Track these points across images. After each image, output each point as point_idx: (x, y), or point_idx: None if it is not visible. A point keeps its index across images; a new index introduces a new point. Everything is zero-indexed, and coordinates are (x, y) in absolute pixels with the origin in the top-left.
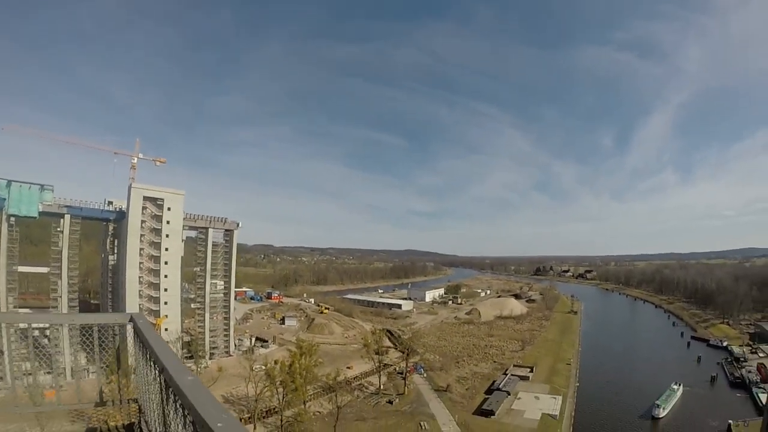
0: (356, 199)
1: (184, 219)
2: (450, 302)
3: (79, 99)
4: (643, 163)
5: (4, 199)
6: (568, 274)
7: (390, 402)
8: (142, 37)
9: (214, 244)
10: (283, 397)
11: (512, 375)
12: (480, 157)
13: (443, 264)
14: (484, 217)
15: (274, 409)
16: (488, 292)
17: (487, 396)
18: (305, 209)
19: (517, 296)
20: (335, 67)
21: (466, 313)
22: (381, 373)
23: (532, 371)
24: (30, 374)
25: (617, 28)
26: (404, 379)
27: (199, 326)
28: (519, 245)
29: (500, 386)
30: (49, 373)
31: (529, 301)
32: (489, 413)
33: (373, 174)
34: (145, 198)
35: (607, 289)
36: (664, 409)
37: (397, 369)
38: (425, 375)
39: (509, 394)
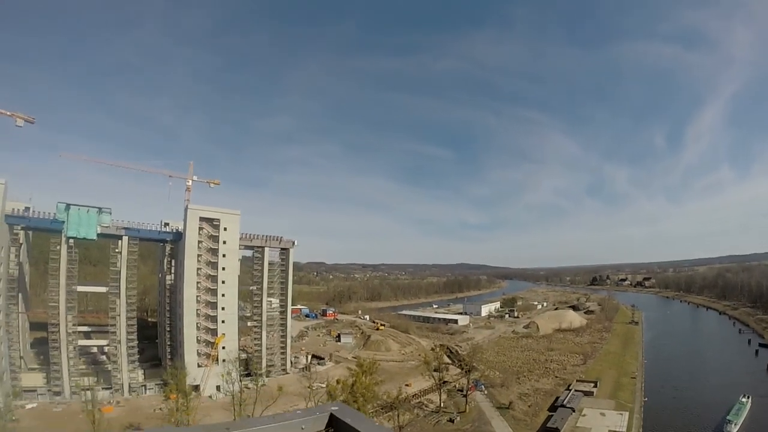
0: (406, 214)
1: (240, 238)
2: (507, 316)
3: (134, 128)
4: (697, 161)
5: (63, 222)
6: (626, 282)
7: (451, 420)
8: (184, 64)
9: (270, 263)
10: None
11: (576, 390)
12: (529, 165)
13: (497, 276)
14: (537, 226)
15: None
16: (545, 304)
17: (550, 413)
18: (356, 226)
19: (574, 308)
20: (378, 82)
21: (524, 327)
22: (441, 390)
23: (596, 386)
24: (89, 389)
25: (661, 20)
26: (465, 396)
27: (255, 344)
28: (573, 255)
29: (564, 403)
30: (107, 388)
31: (588, 312)
32: (554, 431)
33: (423, 187)
34: (202, 219)
35: (667, 297)
36: (735, 425)
37: (457, 386)
38: (486, 392)
39: (574, 411)
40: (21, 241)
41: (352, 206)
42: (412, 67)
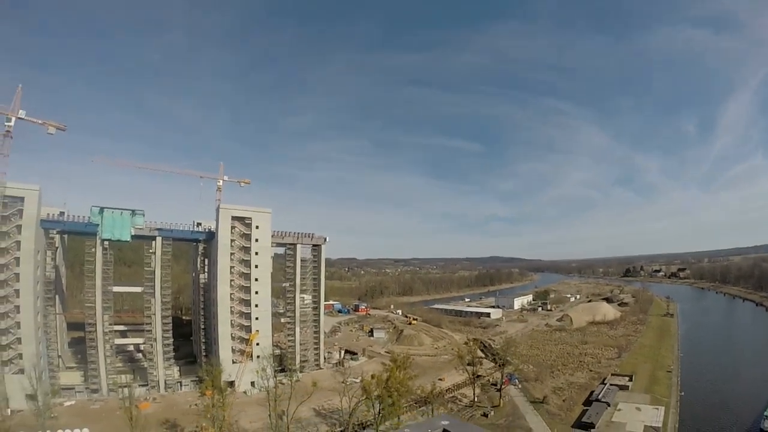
0: (436, 208)
1: (272, 236)
2: (539, 309)
3: (165, 131)
4: (730, 149)
5: (98, 225)
6: (660, 273)
7: (485, 415)
8: (212, 65)
9: (303, 260)
10: (379, 412)
11: (611, 385)
12: (558, 156)
13: (528, 269)
14: (567, 218)
15: (367, 422)
16: (578, 296)
17: (585, 408)
18: (386, 221)
19: (608, 300)
20: (402, 77)
21: (557, 320)
22: (475, 384)
23: (631, 380)
24: (126, 386)
25: (689, 4)
26: (499, 390)
27: (289, 340)
28: (605, 246)
29: (599, 397)
30: (143, 385)
31: (622, 304)
32: (589, 426)
33: (452, 181)
34: (234, 218)
35: (702, 288)
36: None
37: (491, 380)
38: (520, 386)
39: (609, 406)
40: (57, 245)
41: (381, 202)
42: (435, 61)
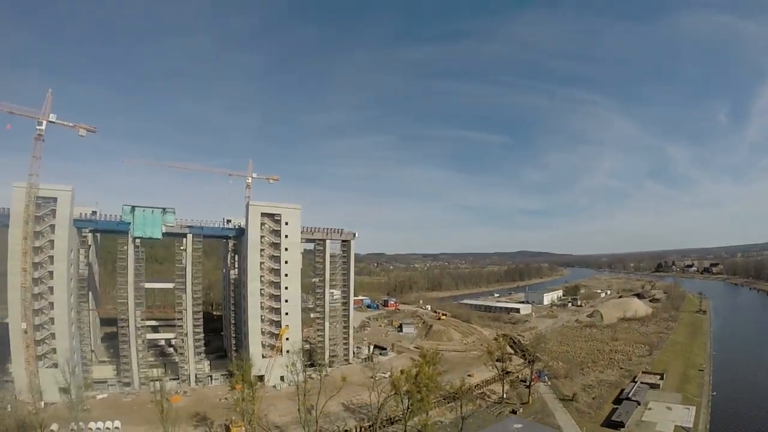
0: (464, 202)
1: (301, 232)
2: (569, 304)
3: (193, 130)
4: (763, 137)
5: (129, 223)
6: (693, 269)
7: (514, 412)
8: (237, 66)
9: (332, 255)
10: (408, 407)
11: (641, 383)
12: (586, 148)
13: (558, 264)
14: (596, 211)
15: (395, 418)
16: (608, 292)
17: (615, 406)
18: (415, 216)
19: (639, 296)
20: (426, 71)
21: (588, 316)
22: (504, 381)
23: (662, 378)
24: (157, 380)
25: None
26: (528, 387)
27: (318, 335)
28: (636, 240)
29: (629, 395)
30: (174, 379)
31: (653, 300)
32: (618, 425)
33: (479, 175)
34: (263, 214)
35: (735, 284)
36: None
37: (520, 377)
38: (549, 383)
39: (639, 404)
40: (89, 243)
41: (410, 197)
42: (459, 53)
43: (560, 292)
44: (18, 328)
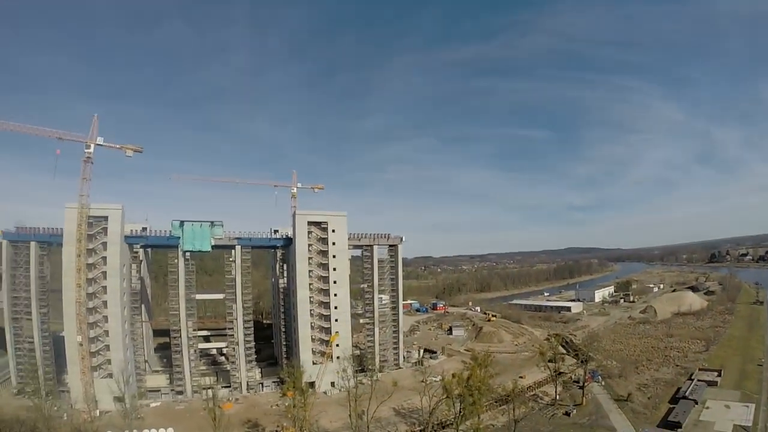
0: (509, 201)
1: (348, 238)
2: (621, 301)
3: (237, 144)
4: None
5: (179, 237)
6: (748, 257)
7: (567, 414)
8: (278, 78)
9: (380, 260)
10: (460, 411)
11: (698, 381)
12: (632, 137)
13: (608, 259)
14: (645, 202)
15: (447, 422)
16: (661, 286)
17: (672, 405)
18: (461, 217)
19: (693, 288)
20: (466, 70)
21: (641, 312)
22: (556, 382)
23: (719, 375)
24: (210, 388)
25: None
26: (582, 388)
27: (368, 340)
28: (688, 230)
29: (686, 394)
30: (226, 387)
31: (708, 293)
32: (676, 426)
33: (524, 172)
34: (310, 223)
35: None
36: None
37: (573, 377)
38: (603, 383)
39: (696, 403)
40: (141, 258)
41: (454, 198)
42: (497, 49)
43: (611, 289)
44: (73, 341)
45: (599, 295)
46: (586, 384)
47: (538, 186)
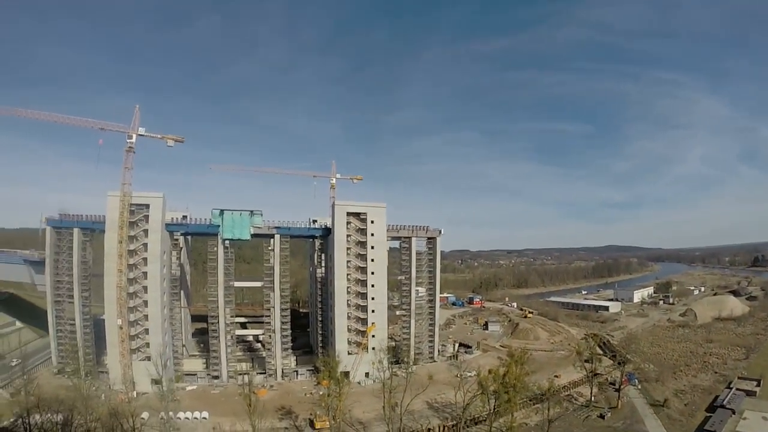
0: (548, 196)
1: (387, 230)
2: (661, 302)
3: (276, 137)
4: None
5: (219, 226)
6: None
7: (601, 416)
8: (315, 71)
9: (417, 253)
10: (494, 407)
11: (737, 389)
12: (673, 133)
13: (648, 259)
14: (687, 201)
15: (480, 418)
16: (702, 289)
17: (708, 414)
18: (498, 211)
19: (735, 293)
20: (501, 62)
21: (680, 315)
22: (592, 383)
23: (758, 385)
24: (245, 374)
25: None
26: (618, 390)
27: (404, 332)
28: (730, 231)
29: (724, 403)
30: (261, 373)
31: (750, 298)
32: None
33: (563, 167)
34: (349, 213)
35: None
36: None
37: (609, 379)
38: (639, 386)
39: (734, 413)
40: (181, 245)
41: (493, 192)
42: (533, 42)
43: (651, 289)
44: (114, 324)
45: (638, 295)
46: (622, 387)
47: (577, 181)
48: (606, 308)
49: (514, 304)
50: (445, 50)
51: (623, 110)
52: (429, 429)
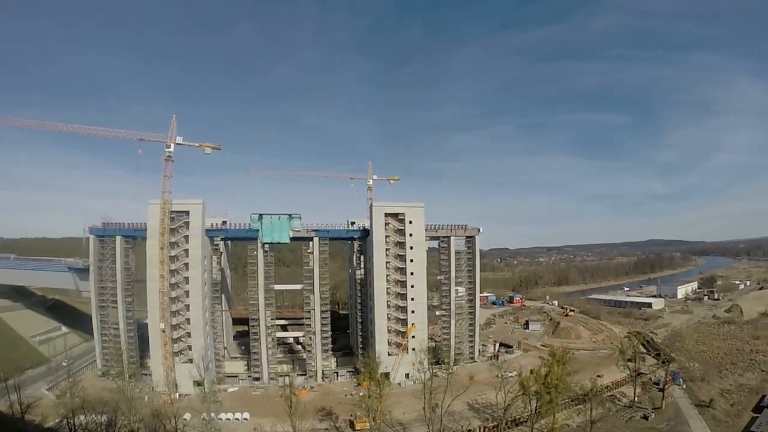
0: (587, 190)
1: (425, 230)
2: (705, 298)
3: (312, 139)
4: None
5: (258, 230)
6: None
7: (645, 417)
8: (348, 71)
9: (456, 252)
10: (535, 408)
11: None
12: (716, 120)
13: (691, 253)
14: (731, 191)
15: (521, 419)
16: (748, 283)
17: (755, 415)
18: (537, 207)
19: None
20: (538, 54)
21: (726, 311)
22: (636, 383)
23: None
24: (286, 375)
25: None
26: (662, 390)
27: (444, 332)
28: None
29: None
30: (302, 375)
31: None
32: None
33: (602, 159)
34: (387, 214)
35: None
36: None
37: (653, 378)
38: (684, 386)
39: None
40: (221, 250)
41: (531, 187)
42: (569, 31)
43: (695, 285)
44: (156, 328)
45: (682, 291)
46: (666, 386)
47: (616, 174)
48: (649, 305)
49: (555, 303)
50: (479, 45)
51: (664, 98)
52: (469, 430)
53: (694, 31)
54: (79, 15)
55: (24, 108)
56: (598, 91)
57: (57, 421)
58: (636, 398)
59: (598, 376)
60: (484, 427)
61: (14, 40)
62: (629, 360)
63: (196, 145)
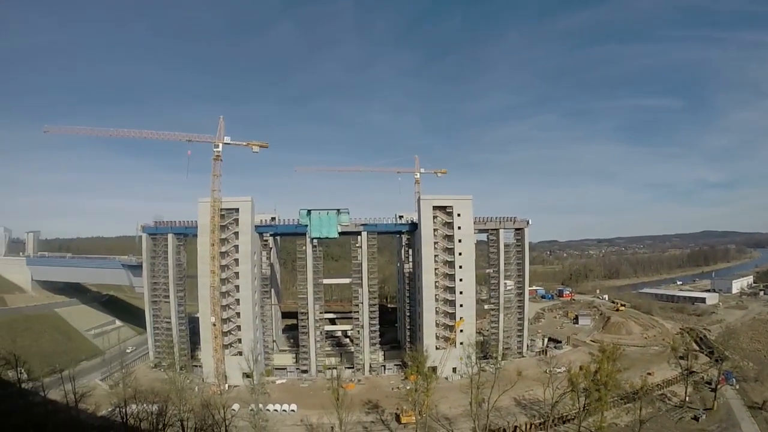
0: (637, 179)
1: (473, 222)
2: (762, 293)
3: (359, 134)
4: None
5: (306, 225)
6: None
7: (696, 418)
8: (390, 65)
9: (505, 245)
10: (584, 406)
11: None
12: None
13: (746, 245)
14: None
15: (568, 416)
16: None
17: None
18: (587, 198)
19: None
20: (583, 38)
21: None
22: (687, 382)
23: None
24: (334, 368)
25: None
26: (714, 390)
27: (492, 327)
28: None
29: None
30: (349, 368)
31: None
32: None
33: (652, 146)
34: (435, 207)
35: None
36: None
37: (705, 378)
38: (737, 386)
39: None
40: (270, 246)
41: (580, 177)
42: (615, 11)
43: (750, 278)
44: (207, 322)
45: (737, 285)
46: (719, 386)
47: (669, 160)
48: (702, 300)
49: (605, 297)
50: (520, 32)
51: (716, 79)
52: (516, 426)
53: (745, 7)
54: (123, 22)
55: (72, 116)
56: (646, 75)
57: (109, 410)
58: (687, 398)
59: (649, 373)
60: (531, 424)
61: (64, 49)
62: (681, 358)
63: (244, 144)
